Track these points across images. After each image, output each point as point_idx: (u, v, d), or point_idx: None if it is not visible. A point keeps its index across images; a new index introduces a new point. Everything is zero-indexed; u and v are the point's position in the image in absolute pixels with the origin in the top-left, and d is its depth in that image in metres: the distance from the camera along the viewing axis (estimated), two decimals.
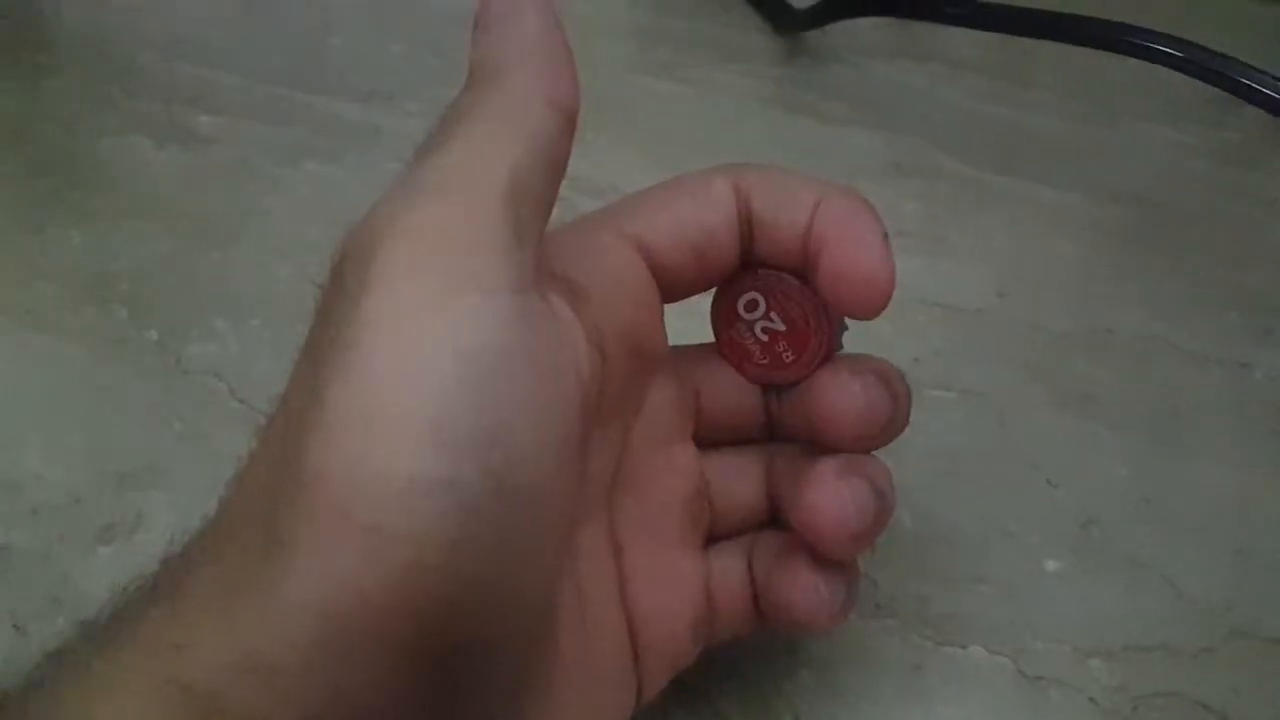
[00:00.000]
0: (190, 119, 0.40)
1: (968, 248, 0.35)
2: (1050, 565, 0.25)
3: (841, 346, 0.21)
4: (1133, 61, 0.34)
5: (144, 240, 0.34)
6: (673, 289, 0.20)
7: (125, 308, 0.32)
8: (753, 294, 0.20)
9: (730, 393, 0.21)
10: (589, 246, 0.19)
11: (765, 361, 0.21)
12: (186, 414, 0.29)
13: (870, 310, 0.18)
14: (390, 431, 0.13)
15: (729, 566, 0.21)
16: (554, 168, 0.17)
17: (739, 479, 0.21)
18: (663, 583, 0.20)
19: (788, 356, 0.20)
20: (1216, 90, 0.33)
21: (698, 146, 0.40)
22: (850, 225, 0.18)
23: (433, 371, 0.14)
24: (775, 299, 0.20)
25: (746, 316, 0.20)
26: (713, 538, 0.21)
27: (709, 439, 0.21)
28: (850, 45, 0.46)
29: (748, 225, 0.19)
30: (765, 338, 0.20)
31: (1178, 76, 0.33)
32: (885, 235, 0.18)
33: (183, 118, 0.40)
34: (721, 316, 0.21)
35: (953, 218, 0.37)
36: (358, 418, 0.13)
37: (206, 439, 0.28)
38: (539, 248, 0.16)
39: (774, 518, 0.22)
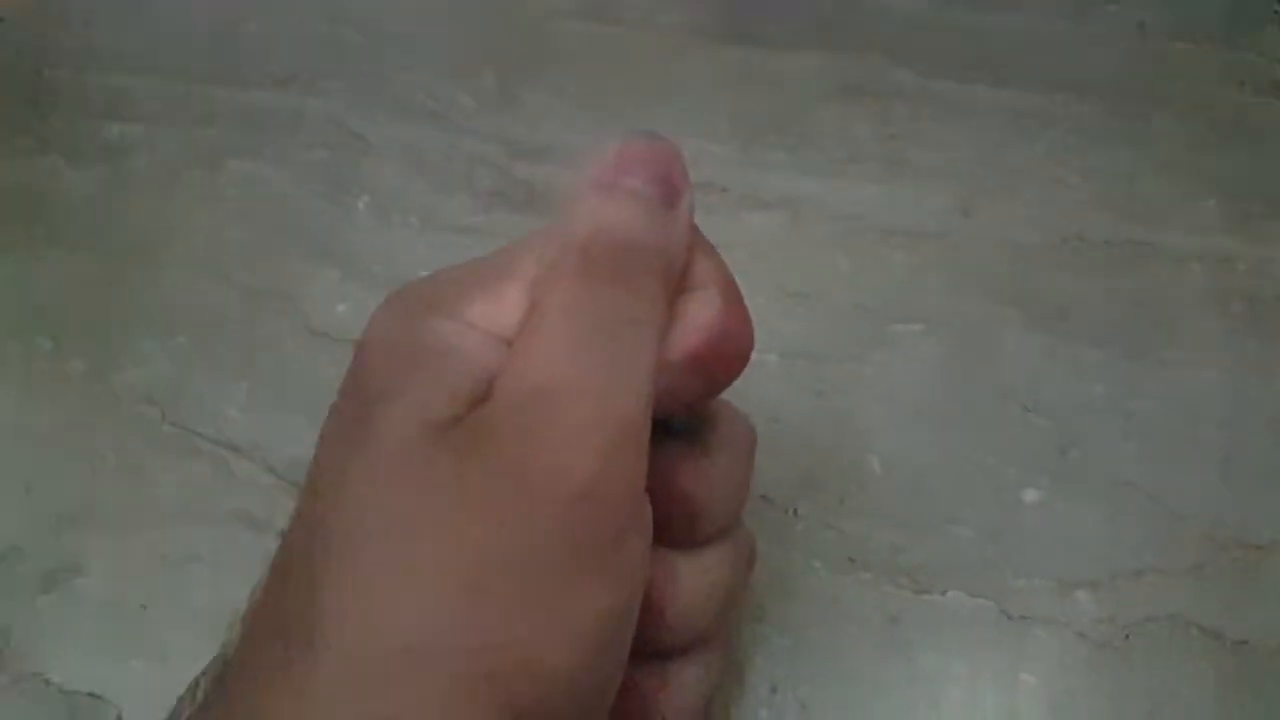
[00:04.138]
0: (104, 131, 0.38)
1: (928, 166, 0.33)
2: (1029, 496, 0.24)
3: None
4: None
5: (65, 266, 0.33)
6: None
7: (50, 339, 0.31)
8: None
9: None
10: None
11: None
12: (120, 446, 0.28)
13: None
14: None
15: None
16: None
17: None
18: None
19: None
20: None
21: (637, 91, 0.38)
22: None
23: None
24: None
25: None
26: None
27: None
28: None
29: None
30: None
31: None
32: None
33: (96, 131, 0.38)
34: None
35: (911, 136, 0.35)
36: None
37: (142, 471, 0.27)
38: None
39: None
